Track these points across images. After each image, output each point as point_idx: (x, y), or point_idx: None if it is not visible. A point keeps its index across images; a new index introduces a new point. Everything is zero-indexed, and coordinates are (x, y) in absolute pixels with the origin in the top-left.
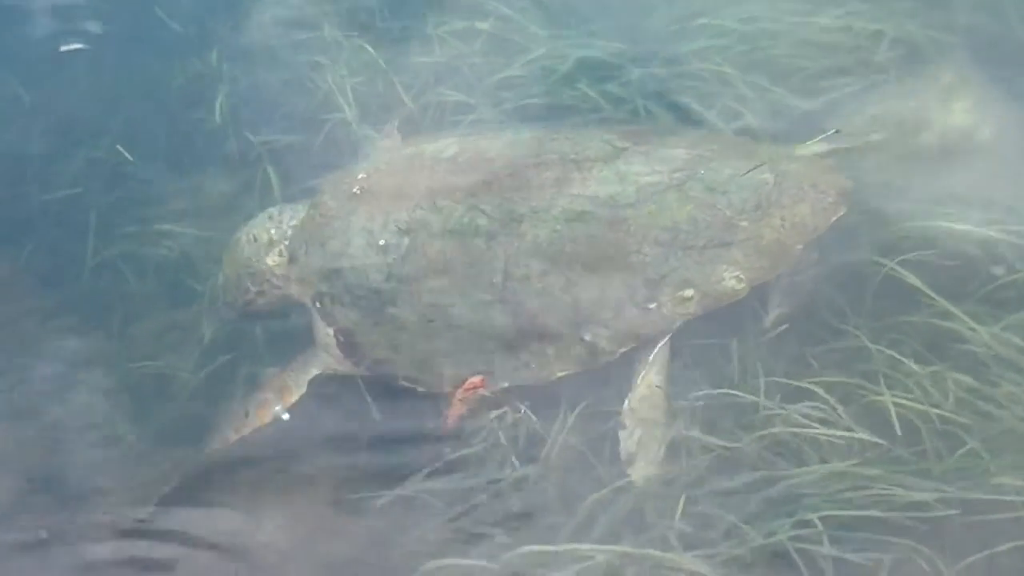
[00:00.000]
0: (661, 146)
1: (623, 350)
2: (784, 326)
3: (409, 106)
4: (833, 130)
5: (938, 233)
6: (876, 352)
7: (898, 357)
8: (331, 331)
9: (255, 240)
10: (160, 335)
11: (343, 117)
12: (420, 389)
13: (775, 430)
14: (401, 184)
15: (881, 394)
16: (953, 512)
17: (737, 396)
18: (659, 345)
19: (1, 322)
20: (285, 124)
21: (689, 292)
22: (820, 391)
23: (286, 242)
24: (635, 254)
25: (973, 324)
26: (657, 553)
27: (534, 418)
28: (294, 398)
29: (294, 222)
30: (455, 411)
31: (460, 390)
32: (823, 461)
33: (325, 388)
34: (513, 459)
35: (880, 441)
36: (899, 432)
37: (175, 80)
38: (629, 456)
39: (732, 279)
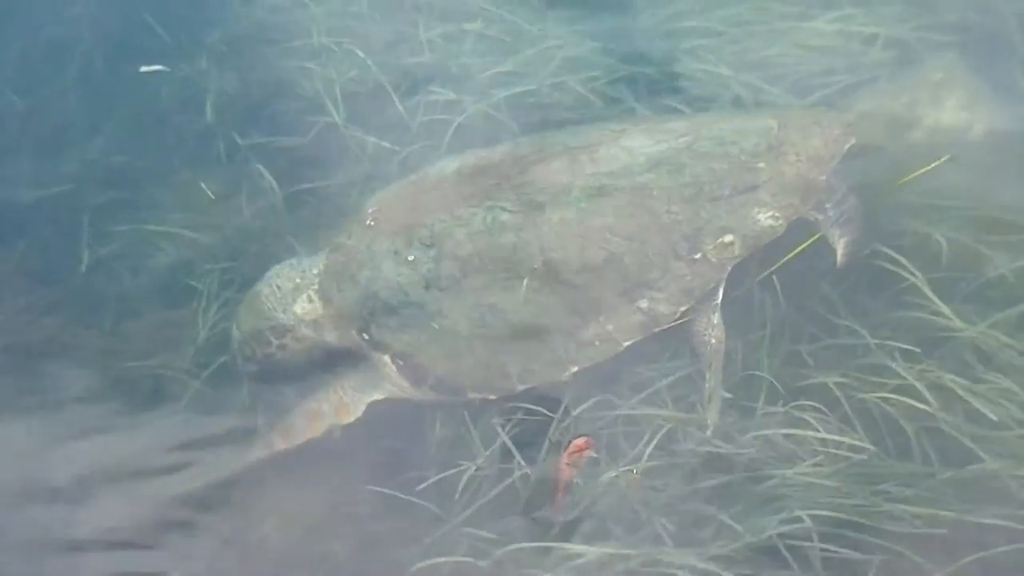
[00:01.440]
0: (659, 123)
1: (683, 309)
2: (861, 254)
3: (398, 107)
4: (946, 157)
5: (928, 231)
6: (868, 350)
7: (889, 357)
8: (387, 359)
9: (279, 289)
10: (154, 334)
11: (331, 120)
12: (491, 397)
13: (768, 432)
14: (413, 206)
15: (872, 393)
16: (946, 513)
17: (731, 396)
18: (719, 295)
19: None
20: (274, 127)
21: (729, 237)
22: (814, 390)
23: (314, 288)
24: (666, 214)
25: (961, 323)
26: (648, 550)
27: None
28: (350, 419)
29: (316, 270)
30: (564, 476)
31: (566, 455)
32: (815, 462)
33: None
34: (517, 459)
35: (869, 447)
36: (888, 432)
37: (164, 87)
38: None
39: (767, 218)
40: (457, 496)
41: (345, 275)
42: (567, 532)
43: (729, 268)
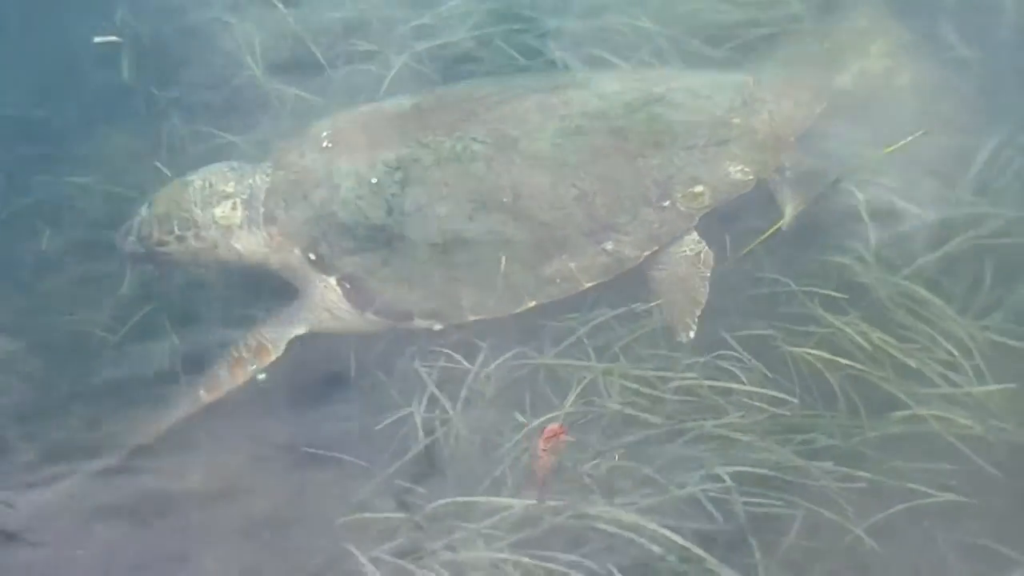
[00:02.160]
0: (625, 72)
1: (647, 253)
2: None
3: (319, 58)
4: (920, 131)
5: (853, 183)
6: (793, 298)
7: (813, 305)
8: (333, 280)
9: (210, 186)
10: (73, 289)
11: (251, 74)
12: (438, 327)
13: (689, 382)
14: (373, 133)
15: (796, 345)
16: (871, 463)
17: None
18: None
19: None
20: (192, 81)
21: (699, 188)
22: (739, 341)
23: (243, 197)
24: (639, 159)
25: (882, 273)
26: (575, 502)
27: (465, 365)
28: (271, 358)
29: (252, 180)
30: (543, 464)
31: (542, 441)
32: (739, 415)
33: None
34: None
35: (792, 399)
36: (814, 383)
37: (79, 37)
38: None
39: (737, 172)
40: (382, 447)
41: (295, 194)
42: (495, 486)
43: (697, 218)
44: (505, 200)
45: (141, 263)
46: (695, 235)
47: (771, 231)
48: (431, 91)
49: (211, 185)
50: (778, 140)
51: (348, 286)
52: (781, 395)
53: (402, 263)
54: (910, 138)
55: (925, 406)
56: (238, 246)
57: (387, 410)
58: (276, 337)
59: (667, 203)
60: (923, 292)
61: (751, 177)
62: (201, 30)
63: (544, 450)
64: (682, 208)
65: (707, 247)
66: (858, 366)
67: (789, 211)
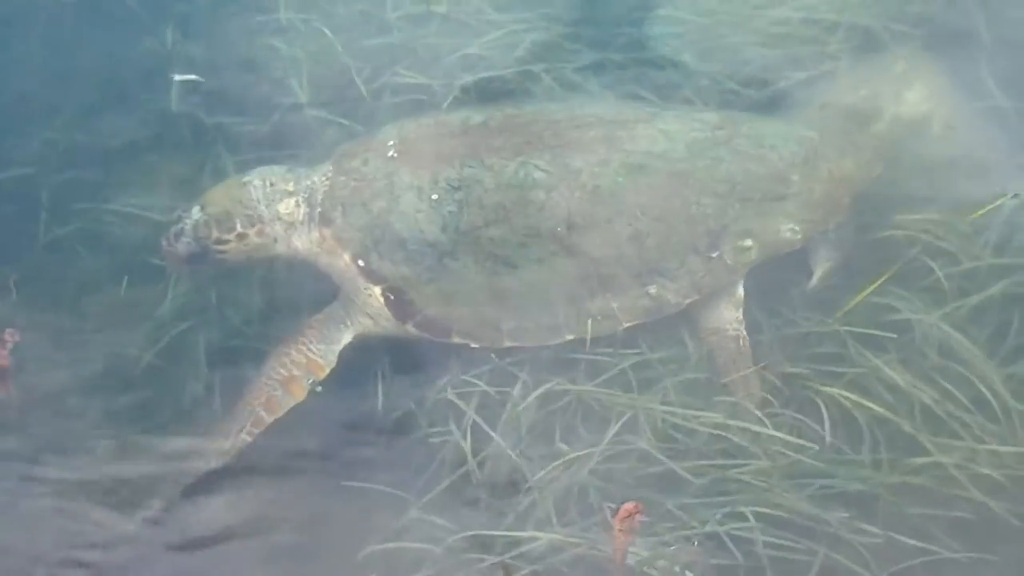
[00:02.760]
0: (691, 111)
1: (687, 301)
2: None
3: (361, 88)
4: (1012, 194)
5: (886, 224)
6: (823, 338)
7: (843, 345)
8: (378, 289)
9: (271, 186)
10: (113, 312)
11: (296, 100)
12: (474, 345)
13: (717, 420)
14: (438, 148)
15: (825, 386)
16: (893, 509)
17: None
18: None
19: None
20: (238, 106)
21: (749, 242)
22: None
23: (303, 195)
24: (695, 205)
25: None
26: (596, 536)
27: (496, 394)
28: (325, 372)
29: (311, 182)
30: (620, 545)
31: (617, 521)
32: (766, 454)
33: None
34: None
35: (810, 445)
36: (836, 424)
37: (130, 59)
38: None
39: (788, 230)
40: (410, 478)
41: (354, 200)
42: (520, 519)
43: (741, 273)
44: (559, 231)
45: (192, 264)
46: (739, 314)
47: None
48: (500, 108)
49: (272, 184)
50: (833, 201)
51: (392, 297)
52: (805, 443)
53: (449, 281)
54: (999, 202)
55: (947, 454)
56: (298, 243)
57: (416, 440)
58: (325, 350)
59: (715, 254)
60: (957, 336)
61: (800, 236)
62: (250, 56)
63: (621, 531)
64: (729, 261)
65: (745, 332)
66: (883, 411)
67: (819, 274)
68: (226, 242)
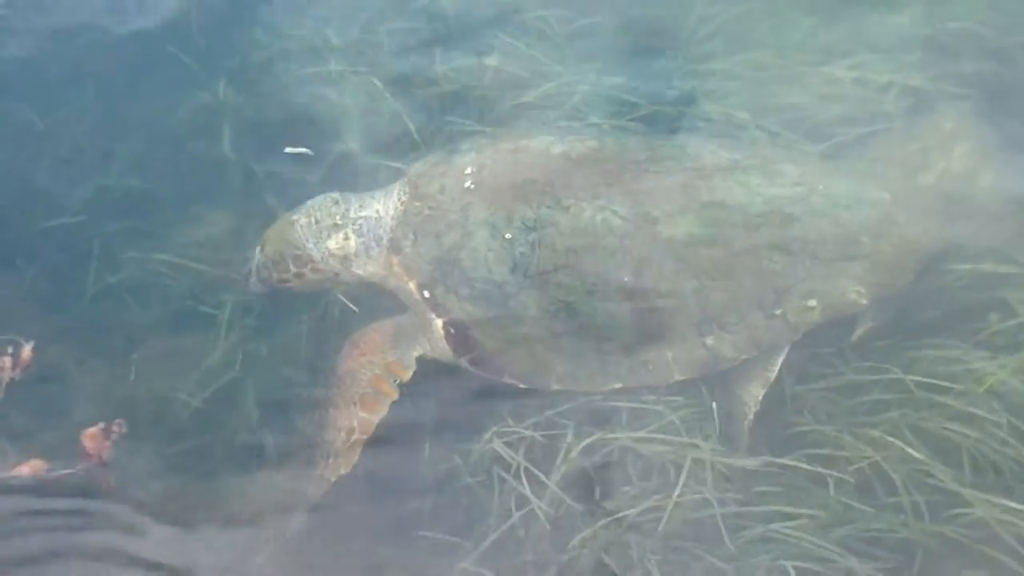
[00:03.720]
0: (769, 161)
1: (743, 357)
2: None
3: (414, 135)
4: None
5: (933, 276)
6: (867, 390)
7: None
8: (440, 321)
9: (316, 223)
10: (162, 361)
11: (347, 148)
12: (523, 386)
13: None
14: (516, 180)
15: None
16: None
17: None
18: (783, 353)
19: (2, 346)
20: (289, 156)
21: (813, 302)
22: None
23: (353, 227)
24: (766, 261)
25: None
26: None
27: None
28: (408, 375)
29: (364, 212)
30: None
31: None
32: (809, 512)
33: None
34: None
35: (850, 502)
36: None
37: (182, 110)
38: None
39: (854, 292)
40: (456, 529)
41: (427, 230)
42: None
43: (801, 332)
44: (626, 280)
45: (273, 294)
46: (761, 394)
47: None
48: (580, 139)
49: (317, 221)
50: (901, 265)
51: (453, 331)
52: (848, 500)
53: (511, 322)
54: None
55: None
56: (359, 271)
57: (463, 489)
58: (402, 355)
59: (779, 311)
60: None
61: (865, 301)
62: (301, 104)
63: None
64: (791, 319)
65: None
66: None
67: (860, 331)
68: (287, 280)
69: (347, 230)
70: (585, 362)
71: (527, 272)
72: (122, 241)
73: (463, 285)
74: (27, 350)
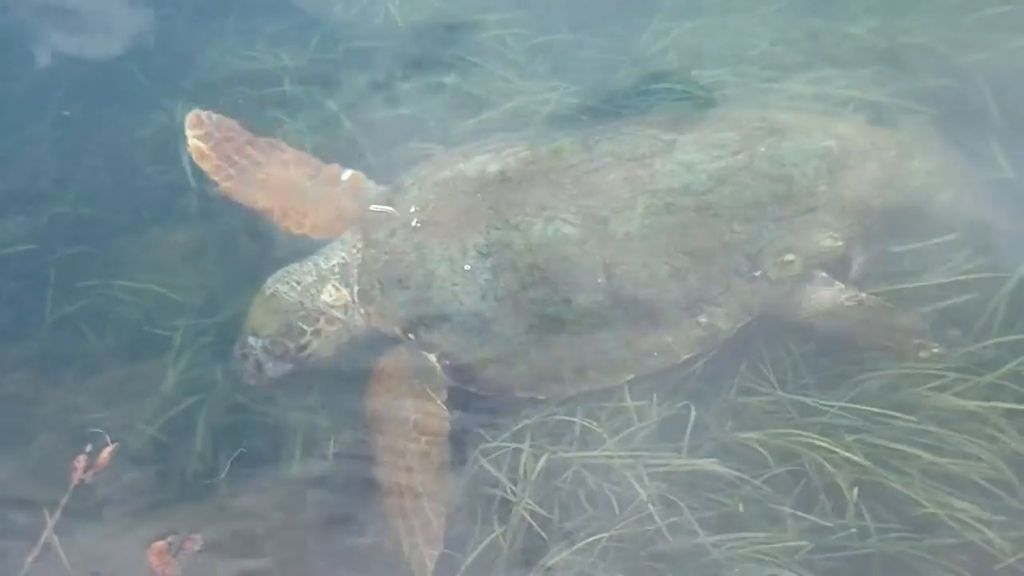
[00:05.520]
0: (708, 132)
1: (740, 325)
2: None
3: (370, 161)
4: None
5: (891, 294)
6: (813, 409)
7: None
8: (433, 357)
9: (298, 284)
10: (119, 388)
11: None
12: (541, 397)
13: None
14: (460, 210)
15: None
16: None
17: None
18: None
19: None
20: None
21: (791, 256)
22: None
23: (336, 277)
24: (729, 233)
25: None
26: None
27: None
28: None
29: (334, 261)
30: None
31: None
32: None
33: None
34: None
35: (823, 522)
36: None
37: (139, 133)
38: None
39: (828, 239)
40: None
41: (389, 276)
42: None
43: (791, 285)
44: (599, 281)
45: (291, 377)
46: (841, 285)
47: None
48: (513, 152)
49: (299, 283)
50: (865, 204)
51: (448, 363)
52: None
53: (500, 344)
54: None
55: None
56: (359, 320)
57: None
58: (429, 380)
59: (758, 273)
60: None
61: (840, 244)
62: (256, 127)
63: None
64: (773, 277)
65: (862, 293)
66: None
67: (856, 267)
68: (307, 344)
69: (332, 281)
70: (591, 362)
71: (496, 296)
72: (78, 268)
73: (441, 321)
74: (106, 453)
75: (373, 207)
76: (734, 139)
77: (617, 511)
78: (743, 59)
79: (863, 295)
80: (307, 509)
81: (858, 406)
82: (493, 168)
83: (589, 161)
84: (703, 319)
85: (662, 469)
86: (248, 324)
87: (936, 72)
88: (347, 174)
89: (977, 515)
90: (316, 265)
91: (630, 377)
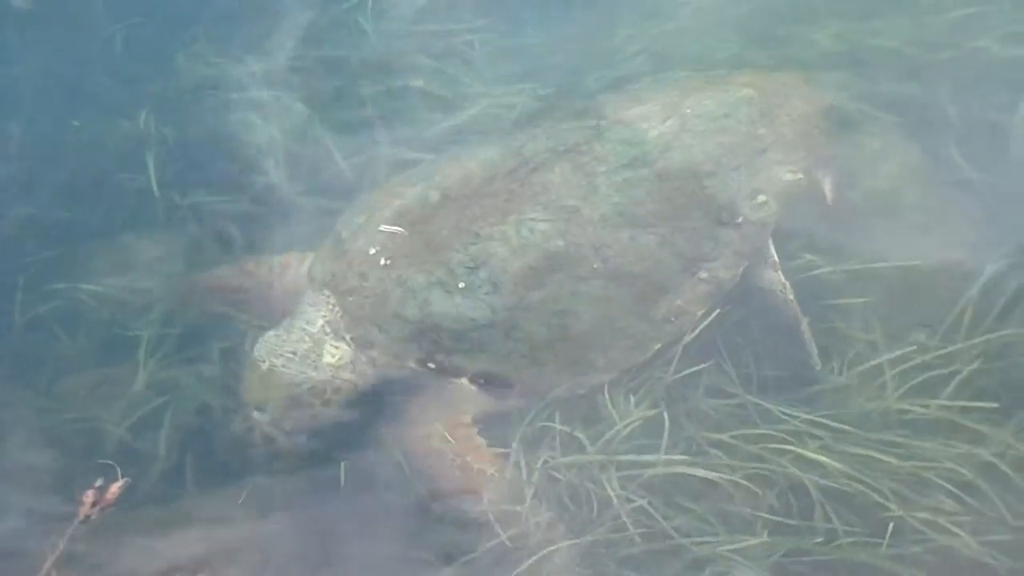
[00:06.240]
0: (624, 111)
1: (740, 270)
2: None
3: (341, 165)
4: None
5: (854, 291)
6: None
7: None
8: (465, 381)
9: (295, 354)
10: (90, 391)
11: (271, 179)
12: (581, 392)
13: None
14: (425, 238)
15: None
16: None
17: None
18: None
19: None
20: (213, 184)
21: (762, 198)
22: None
23: (329, 336)
24: (698, 191)
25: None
26: None
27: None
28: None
29: (320, 322)
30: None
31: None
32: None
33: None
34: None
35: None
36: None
37: (107, 140)
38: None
39: (788, 174)
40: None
41: (384, 315)
42: None
43: (772, 226)
44: (596, 267)
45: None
46: (779, 275)
47: None
48: (443, 176)
49: (295, 352)
50: (808, 135)
51: (483, 381)
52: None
53: (525, 349)
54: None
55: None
56: (369, 374)
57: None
58: (453, 414)
59: (740, 219)
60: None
61: (800, 175)
62: (226, 132)
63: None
64: (755, 219)
65: (791, 293)
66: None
67: (828, 189)
68: (317, 415)
69: (328, 342)
70: (615, 344)
71: (504, 305)
72: (47, 272)
73: (460, 342)
74: (115, 488)
75: (383, 227)
76: (655, 110)
77: (595, 515)
78: (712, 62)
79: (790, 297)
80: (277, 512)
81: (821, 418)
82: (433, 195)
83: (525, 163)
84: (704, 275)
85: (635, 472)
86: (247, 397)
87: (902, 74)
88: (276, 260)
89: (944, 517)
90: (304, 331)
91: (657, 347)
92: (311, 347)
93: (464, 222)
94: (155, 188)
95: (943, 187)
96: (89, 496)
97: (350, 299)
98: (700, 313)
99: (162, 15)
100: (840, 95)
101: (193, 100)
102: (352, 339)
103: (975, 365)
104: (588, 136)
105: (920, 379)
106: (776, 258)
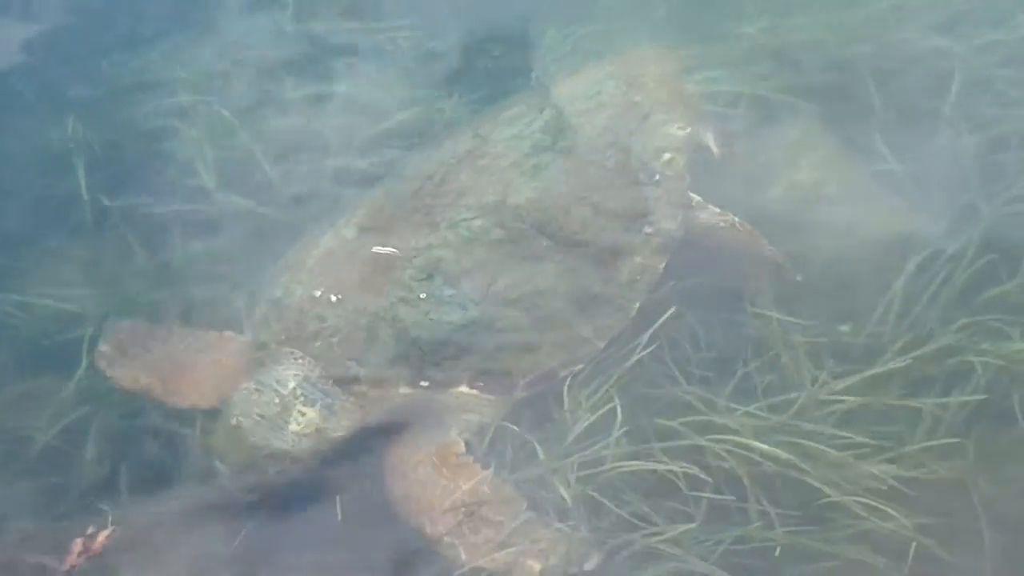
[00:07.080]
0: (500, 115)
1: (680, 221)
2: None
3: (268, 172)
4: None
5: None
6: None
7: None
8: (463, 387)
9: (263, 418)
10: (14, 404)
11: (201, 184)
12: (578, 367)
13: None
14: (364, 269)
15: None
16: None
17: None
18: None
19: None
20: (142, 191)
21: (668, 155)
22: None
23: (299, 400)
24: (607, 161)
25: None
26: None
27: None
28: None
29: (292, 383)
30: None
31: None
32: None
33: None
34: None
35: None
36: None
37: (31, 146)
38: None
39: (677, 129)
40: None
41: (357, 348)
42: None
43: (687, 178)
44: (546, 245)
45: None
46: (715, 208)
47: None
48: (351, 212)
49: (263, 416)
50: (677, 93)
51: (484, 382)
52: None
53: (513, 338)
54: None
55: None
56: (340, 433)
57: None
58: (441, 438)
59: (657, 176)
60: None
61: (688, 128)
62: (151, 139)
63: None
64: (671, 174)
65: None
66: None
67: (712, 144)
68: (274, 479)
69: (296, 407)
70: (598, 312)
71: (475, 301)
72: None
73: (444, 348)
74: (103, 536)
75: (376, 249)
76: (525, 109)
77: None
78: None
79: (735, 219)
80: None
81: (756, 410)
82: (350, 232)
83: (428, 179)
84: (649, 229)
85: (579, 467)
86: (211, 443)
87: (824, 67)
88: (212, 335)
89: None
90: (276, 392)
91: (636, 305)
92: (279, 411)
93: (395, 242)
94: (84, 193)
95: (864, 177)
96: (78, 544)
97: (316, 344)
98: (662, 266)
99: (84, 18)
100: (761, 86)
101: (118, 105)
102: (336, 379)
103: (901, 359)
104: (475, 144)
105: (844, 370)
106: (699, 199)
